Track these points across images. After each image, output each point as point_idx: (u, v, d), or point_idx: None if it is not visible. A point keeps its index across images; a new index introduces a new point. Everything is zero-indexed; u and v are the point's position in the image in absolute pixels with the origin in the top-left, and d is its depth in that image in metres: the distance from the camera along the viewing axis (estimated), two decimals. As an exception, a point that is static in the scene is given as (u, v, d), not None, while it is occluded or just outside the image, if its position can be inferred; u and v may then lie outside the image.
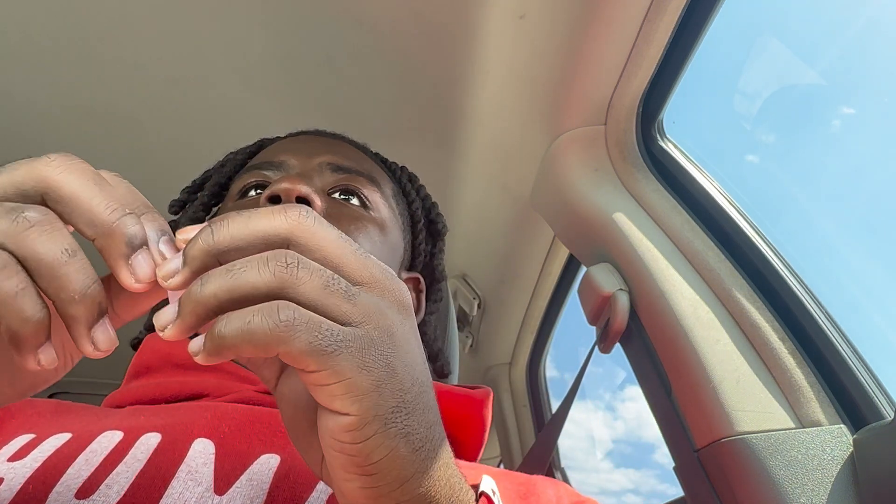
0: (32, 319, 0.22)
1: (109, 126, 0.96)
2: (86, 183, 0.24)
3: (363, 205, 0.58)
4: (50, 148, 0.91)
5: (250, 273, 0.23)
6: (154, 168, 1.02)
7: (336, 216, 0.55)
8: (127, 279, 0.24)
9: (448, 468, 0.28)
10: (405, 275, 0.64)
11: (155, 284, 0.25)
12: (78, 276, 0.23)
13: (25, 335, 0.22)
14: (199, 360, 0.24)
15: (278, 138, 0.69)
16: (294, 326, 0.22)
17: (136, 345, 0.60)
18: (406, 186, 0.69)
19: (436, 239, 0.70)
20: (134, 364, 0.54)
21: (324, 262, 0.25)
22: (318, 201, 0.53)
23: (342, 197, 0.58)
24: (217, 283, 0.23)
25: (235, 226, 0.24)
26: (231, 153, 0.70)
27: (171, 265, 0.25)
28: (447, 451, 0.28)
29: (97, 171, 0.25)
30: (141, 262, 0.24)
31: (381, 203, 0.60)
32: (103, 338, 0.24)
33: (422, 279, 0.66)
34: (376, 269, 0.26)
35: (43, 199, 0.24)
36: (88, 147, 1.00)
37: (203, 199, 0.66)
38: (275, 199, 0.53)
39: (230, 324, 0.22)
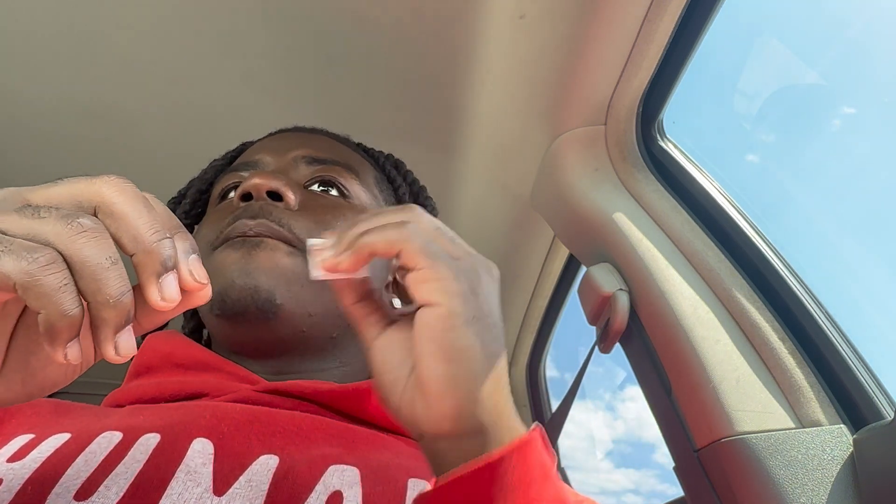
0: (69, 314, 0.24)
1: (109, 126, 0.96)
2: (136, 204, 0.27)
3: (341, 194, 0.59)
4: (50, 148, 0.91)
5: (385, 218, 0.34)
6: (154, 168, 1.02)
7: (312, 207, 0.55)
8: (154, 296, 0.27)
9: (507, 395, 0.35)
10: (398, 260, 0.62)
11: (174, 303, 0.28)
12: (116, 282, 0.25)
13: (61, 328, 0.25)
14: (342, 265, 0.34)
15: (260, 140, 0.69)
16: (414, 234, 0.33)
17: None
18: (391, 173, 0.69)
19: None
20: (134, 364, 0.54)
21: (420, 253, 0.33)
22: (289, 194, 0.53)
23: (321, 188, 0.58)
24: (360, 227, 0.34)
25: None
26: (214, 159, 0.71)
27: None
28: (507, 383, 0.35)
29: (144, 194, 0.29)
30: (170, 282, 0.27)
31: (361, 191, 0.60)
32: (126, 344, 0.27)
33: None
34: (471, 251, 0.36)
35: (95, 211, 0.27)
36: (88, 147, 1.00)
37: (185, 206, 0.66)
38: (247, 197, 0.54)
39: (373, 234, 0.33)
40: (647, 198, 0.74)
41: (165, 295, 0.27)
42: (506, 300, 1.23)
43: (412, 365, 0.35)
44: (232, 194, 0.60)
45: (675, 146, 0.77)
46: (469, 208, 1.07)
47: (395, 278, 0.61)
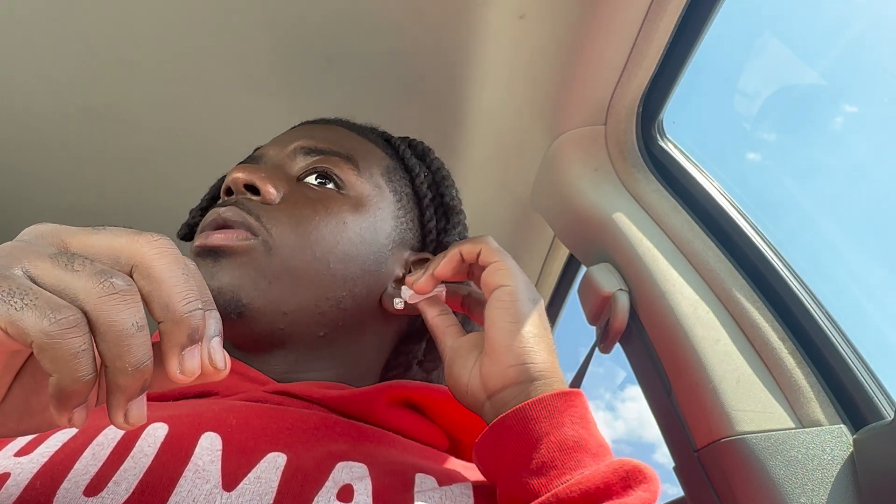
0: (83, 380, 0.23)
1: (109, 126, 0.96)
2: (175, 269, 0.26)
3: (337, 186, 0.57)
4: (50, 148, 0.91)
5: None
6: (154, 168, 1.02)
7: (295, 201, 0.54)
8: (174, 368, 0.26)
9: (557, 360, 0.46)
10: (413, 255, 0.61)
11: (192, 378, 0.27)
12: (139, 350, 0.24)
13: (71, 393, 0.23)
14: (437, 272, 0.50)
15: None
16: (488, 240, 0.49)
17: None
18: (409, 161, 0.65)
19: (448, 214, 0.66)
20: None
21: (494, 252, 0.49)
22: (268, 188, 0.52)
23: (318, 180, 0.57)
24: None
25: None
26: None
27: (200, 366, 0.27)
28: (556, 353, 0.46)
29: (185, 259, 0.28)
30: (193, 356, 0.26)
31: (358, 181, 0.58)
32: (137, 413, 0.25)
33: (432, 258, 0.64)
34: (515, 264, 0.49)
35: (132, 270, 0.26)
36: (88, 147, 1.00)
37: (197, 211, 0.66)
38: (229, 192, 0.54)
39: (457, 246, 0.49)
40: (647, 198, 0.74)
41: (186, 368, 0.26)
42: (506, 300, 1.23)
43: (477, 355, 0.46)
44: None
45: (675, 146, 0.77)
46: (469, 208, 1.07)
47: (403, 274, 0.60)
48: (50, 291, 0.23)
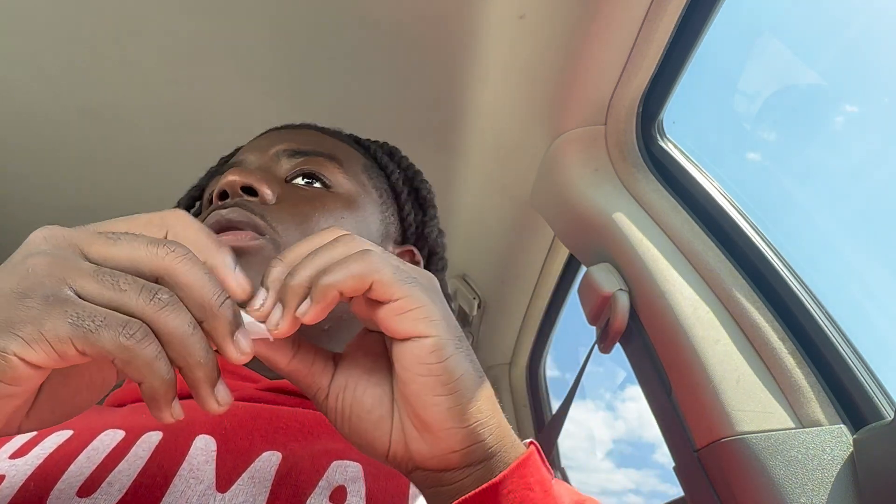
0: (168, 379, 0.27)
1: (109, 126, 0.96)
2: (197, 272, 0.28)
3: (324, 185, 0.58)
4: (50, 148, 0.91)
5: (335, 252, 0.32)
6: (154, 168, 1.02)
7: (292, 200, 0.54)
8: (234, 354, 0.29)
9: (500, 410, 0.34)
10: (396, 248, 0.63)
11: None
12: (200, 345, 0.27)
13: (164, 392, 0.27)
14: (307, 318, 0.30)
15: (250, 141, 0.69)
16: (381, 262, 0.31)
17: None
18: (382, 160, 0.67)
19: (424, 207, 0.68)
20: None
21: (394, 283, 0.31)
22: (264, 188, 0.53)
23: (304, 181, 0.58)
24: (307, 269, 0.31)
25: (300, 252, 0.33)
26: (211, 167, 0.71)
27: (274, 316, 0.31)
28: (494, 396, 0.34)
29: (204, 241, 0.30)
30: (242, 339, 0.29)
31: (345, 180, 0.59)
32: (224, 393, 0.29)
33: (416, 251, 0.65)
34: (420, 272, 0.34)
35: (158, 279, 0.28)
36: (88, 147, 1.00)
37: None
38: (224, 195, 0.54)
39: (335, 272, 0.30)
40: (647, 198, 0.74)
41: (242, 350, 0.29)
42: (506, 300, 1.23)
43: (389, 399, 0.33)
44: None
45: (675, 146, 0.77)
46: (469, 208, 1.07)
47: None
48: (112, 310, 0.26)
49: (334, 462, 0.40)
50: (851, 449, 0.50)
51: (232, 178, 0.53)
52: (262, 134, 0.67)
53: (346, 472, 0.40)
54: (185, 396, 0.47)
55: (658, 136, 0.77)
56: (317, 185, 0.58)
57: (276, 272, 0.32)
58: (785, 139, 0.97)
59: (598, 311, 0.74)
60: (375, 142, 0.71)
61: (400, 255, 0.62)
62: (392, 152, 0.71)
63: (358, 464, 0.41)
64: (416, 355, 0.31)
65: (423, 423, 0.32)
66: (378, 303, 0.31)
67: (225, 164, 0.68)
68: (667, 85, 0.72)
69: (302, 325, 0.32)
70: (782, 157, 0.99)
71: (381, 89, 0.88)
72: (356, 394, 0.33)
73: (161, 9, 0.78)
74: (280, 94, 0.91)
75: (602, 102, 0.75)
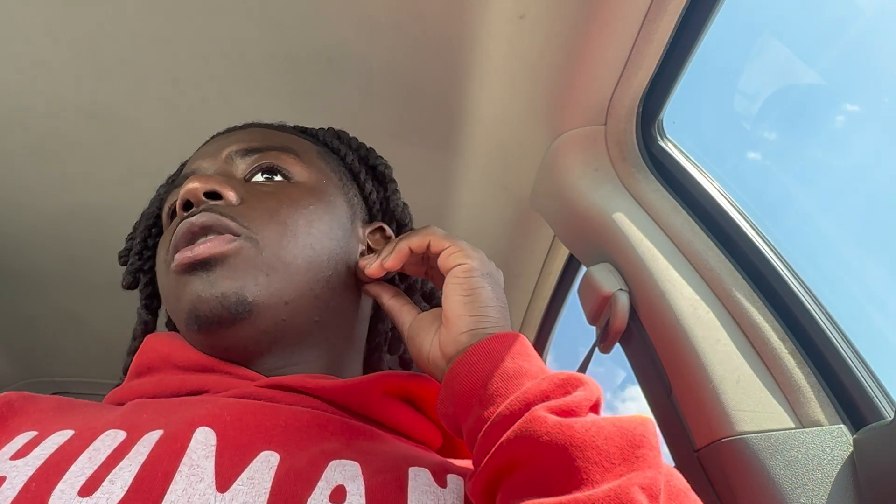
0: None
1: (109, 126, 0.96)
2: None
3: (285, 178, 0.57)
4: (50, 148, 0.91)
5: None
6: (154, 168, 1.02)
7: (256, 196, 0.54)
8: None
9: (506, 315, 0.49)
10: (366, 227, 0.63)
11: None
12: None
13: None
14: (387, 264, 0.53)
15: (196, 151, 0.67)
16: (435, 230, 0.52)
17: (132, 351, 0.60)
18: (333, 144, 0.67)
19: (384, 183, 0.68)
20: (135, 363, 0.54)
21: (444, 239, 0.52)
22: (227, 190, 0.52)
23: (264, 177, 0.57)
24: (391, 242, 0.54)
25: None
26: (159, 187, 0.70)
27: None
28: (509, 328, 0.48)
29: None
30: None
31: (303, 169, 0.59)
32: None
33: (385, 226, 0.65)
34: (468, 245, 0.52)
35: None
36: (88, 147, 1.00)
37: (136, 247, 0.64)
38: (188, 205, 0.52)
39: (405, 238, 0.52)
40: (647, 198, 0.74)
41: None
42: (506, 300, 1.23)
43: (437, 327, 0.49)
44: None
45: (675, 146, 0.77)
46: (469, 208, 1.07)
47: (365, 248, 0.62)
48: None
49: (332, 461, 0.40)
50: (851, 449, 0.50)
51: (193, 185, 0.51)
52: (208, 141, 0.66)
53: (345, 471, 0.40)
54: (191, 393, 0.47)
55: (658, 136, 0.77)
56: (277, 178, 0.57)
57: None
58: (785, 139, 0.97)
59: (598, 311, 0.74)
60: (321, 129, 0.71)
61: (371, 232, 0.63)
62: (340, 135, 0.70)
63: (355, 462, 0.41)
64: (454, 275, 0.48)
65: (447, 318, 0.47)
66: (436, 256, 0.50)
67: (174, 180, 0.66)
68: (667, 85, 0.72)
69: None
70: (782, 156, 0.99)
71: (381, 89, 0.88)
72: (420, 328, 0.51)
73: (161, 9, 0.78)
74: (279, 95, 0.91)
75: (602, 102, 0.76)
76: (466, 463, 0.48)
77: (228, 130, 0.66)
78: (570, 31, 0.69)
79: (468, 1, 0.72)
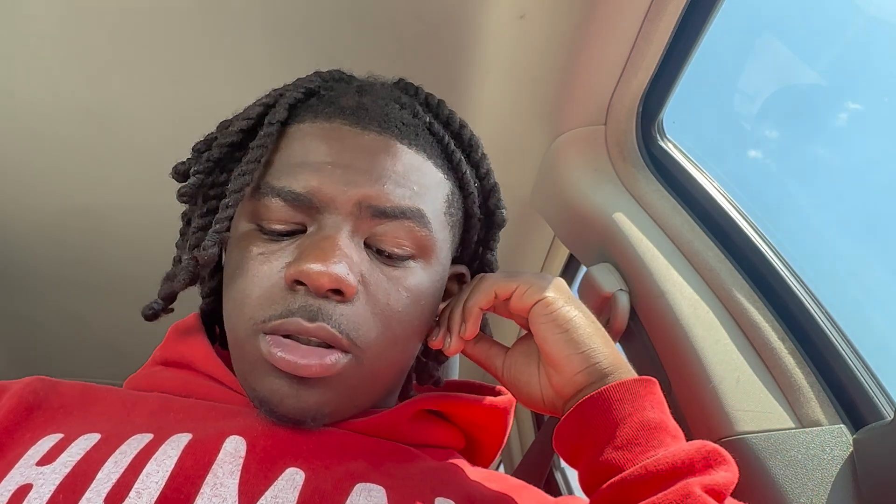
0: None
1: (109, 126, 0.96)
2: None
3: (412, 256, 0.47)
4: (50, 148, 0.91)
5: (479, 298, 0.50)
6: (154, 168, 1.02)
7: (374, 290, 0.45)
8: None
9: (619, 353, 0.46)
10: (449, 271, 0.53)
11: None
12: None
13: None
14: (466, 336, 0.49)
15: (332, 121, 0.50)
16: (492, 279, 0.49)
17: (149, 315, 0.50)
18: (464, 177, 0.54)
19: (492, 229, 0.58)
20: (161, 352, 0.52)
21: (507, 281, 0.49)
22: (351, 288, 0.43)
23: (386, 255, 0.47)
24: (457, 307, 0.50)
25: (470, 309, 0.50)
26: (264, 104, 0.55)
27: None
28: (614, 345, 0.47)
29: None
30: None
31: (431, 239, 0.48)
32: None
33: (468, 273, 0.57)
34: (533, 275, 0.49)
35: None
36: (88, 147, 1.00)
37: (206, 165, 0.53)
38: (299, 283, 0.43)
39: (470, 297, 0.49)
40: (647, 198, 0.74)
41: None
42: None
43: (536, 364, 0.48)
44: (278, 227, 0.46)
45: (675, 146, 0.77)
46: (469, 208, 1.07)
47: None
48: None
49: (358, 485, 0.40)
50: (851, 449, 0.50)
51: (319, 279, 0.41)
52: (341, 134, 0.48)
53: (371, 496, 0.39)
54: (221, 401, 0.46)
55: (658, 136, 0.77)
56: (404, 259, 0.47)
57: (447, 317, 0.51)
58: (785, 139, 0.97)
59: (598, 311, 0.74)
60: (457, 145, 0.56)
61: (451, 277, 0.55)
62: (477, 162, 0.57)
63: (381, 487, 0.40)
64: (537, 314, 0.46)
65: (552, 360, 0.45)
66: (509, 301, 0.47)
67: (292, 110, 0.52)
68: (667, 85, 0.72)
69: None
70: (782, 156, 0.99)
71: (381, 89, 0.88)
72: (515, 368, 0.49)
73: (161, 9, 0.78)
74: (280, 94, 0.90)
75: (602, 102, 0.76)
76: (494, 483, 0.47)
77: (366, 128, 0.49)
78: (570, 31, 0.69)
79: (468, 1, 0.72)
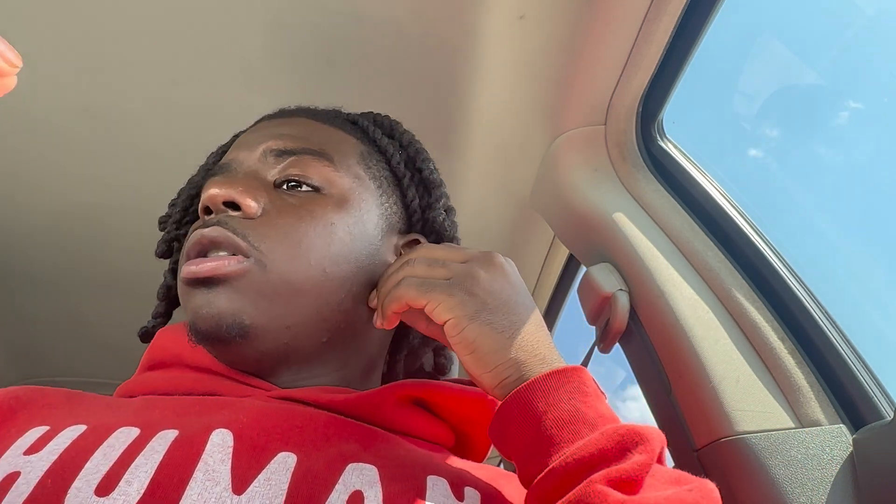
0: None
1: (109, 126, 0.96)
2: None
3: (314, 188, 0.53)
4: (50, 147, 0.91)
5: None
6: (154, 168, 1.02)
7: (278, 210, 0.50)
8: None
9: (538, 346, 0.45)
10: (401, 238, 0.59)
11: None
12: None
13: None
14: (382, 324, 0.50)
15: (244, 132, 0.63)
16: (407, 287, 0.47)
17: (143, 335, 0.58)
18: (381, 142, 0.61)
19: (429, 189, 0.63)
20: (147, 357, 0.54)
21: (438, 258, 0.48)
22: (248, 203, 0.49)
23: (291, 185, 0.53)
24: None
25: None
26: (208, 156, 0.66)
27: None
28: (536, 336, 0.45)
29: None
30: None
31: (337, 177, 0.54)
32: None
33: (422, 239, 0.61)
34: (471, 252, 0.48)
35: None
36: (89, 147, 1.00)
37: (175, 216, 0.62)
38: (208, 210, 0.51)
39: (389, 297, 0.48)
40: (647, 198, 0.74)
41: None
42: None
43: None
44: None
45: (675, 146, 0.77)
46: (469, 208, 1.07)
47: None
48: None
49: (350, 464, 0.40)
50: (851, 449, 0.51)
51: (213, 191, 0.49)
52: (255, 123, 0.63)
53: (363, 476, 0.39)
54: (204, 394, 0.47)
55: (658, 136, 0.77)
56: (305, 188, 0.53)
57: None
58: (784, 139, 0.97)
59: (598, 311, 0.74)
60: (375, 119, 0.65)
61: (406, 244, 0.59)
62: (392, 131, 0.64)
63: (373, 466, 0.40)
64: (447, 334, 0.45)
65: (470, 373, 0.46)
66: (422, 308, 0.46)
67: (218, 160, 0.64)
68: (667, 85, 0.72)
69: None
70: (782, 156, 0.99)
71: (381, 89, 0.88)
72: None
73: (161, 9, 0.78)
74: (280, 94, 0.90)
75: (602, 102, 0.76)
76: (482, 471, 0.47)
77: (278, 114, 0.63)
78: (570, 31, 0.69)
79: (468, 1, 0.72)
